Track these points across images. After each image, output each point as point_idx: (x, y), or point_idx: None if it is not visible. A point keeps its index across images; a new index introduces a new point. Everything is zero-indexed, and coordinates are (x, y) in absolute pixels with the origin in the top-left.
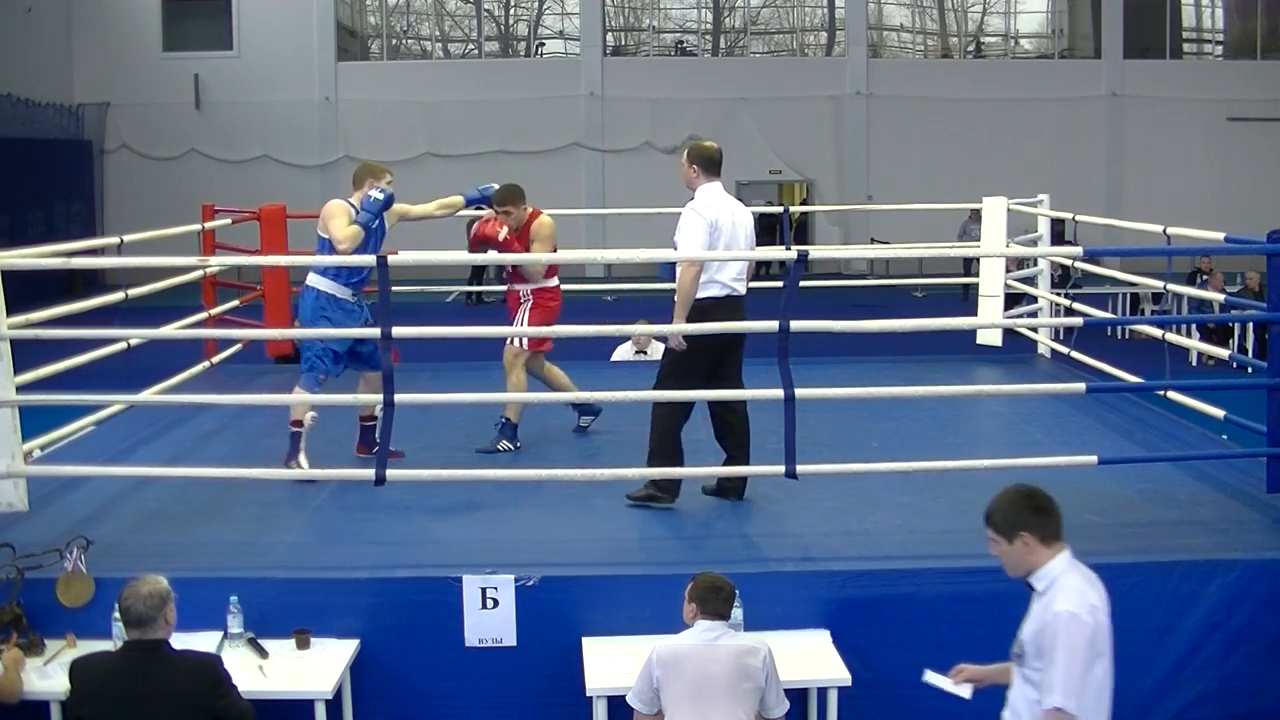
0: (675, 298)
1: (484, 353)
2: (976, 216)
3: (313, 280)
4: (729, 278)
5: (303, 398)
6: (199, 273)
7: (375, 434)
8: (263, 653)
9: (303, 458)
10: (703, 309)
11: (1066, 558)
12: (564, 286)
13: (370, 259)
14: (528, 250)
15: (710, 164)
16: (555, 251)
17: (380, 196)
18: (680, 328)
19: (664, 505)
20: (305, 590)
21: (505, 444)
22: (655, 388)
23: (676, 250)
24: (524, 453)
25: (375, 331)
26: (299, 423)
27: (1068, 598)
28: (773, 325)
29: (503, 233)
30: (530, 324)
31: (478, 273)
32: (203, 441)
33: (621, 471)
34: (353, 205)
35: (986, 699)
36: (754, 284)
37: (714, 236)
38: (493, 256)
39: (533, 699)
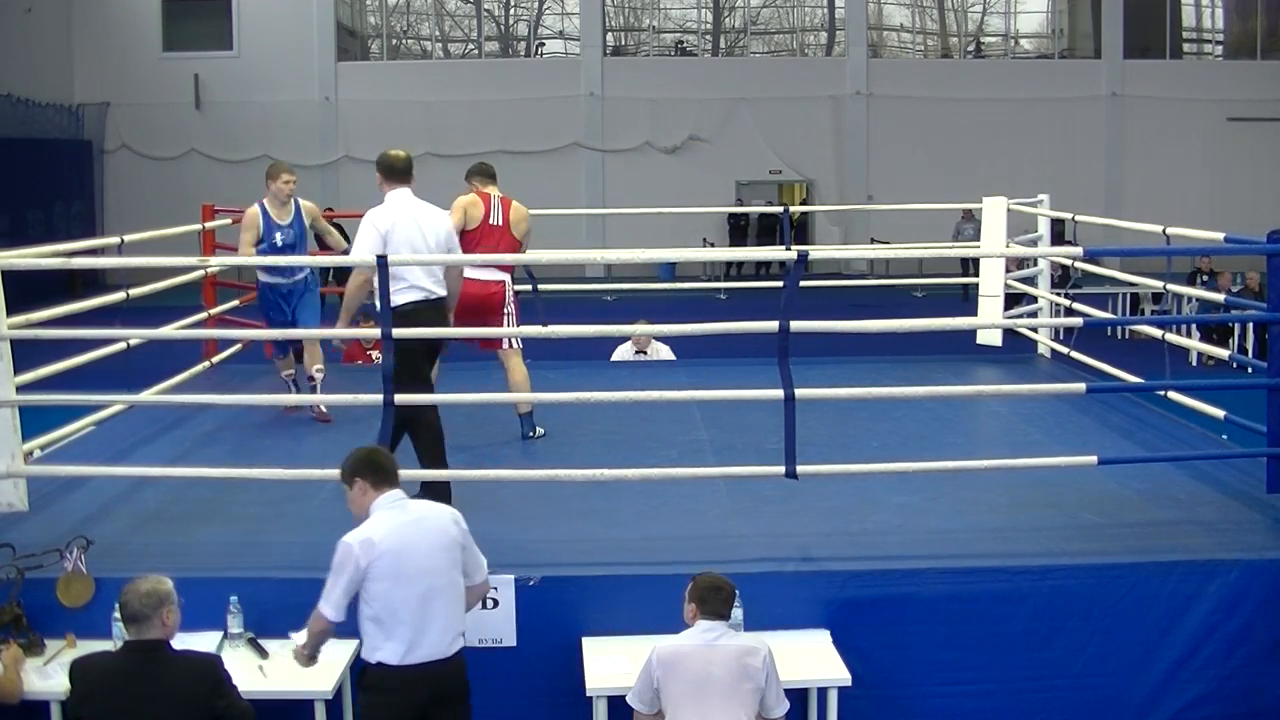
0: (342, 302)
1: (483, 352)
2: (969, 216)
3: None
4: (424, 281)
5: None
6: (199, 273)
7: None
8: (263, 653)
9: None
10: (404, 313)
11: (391, 499)
12: (564, 286)
13: (306, 259)
14: None
15: (392, 171)
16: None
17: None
18: (354, 332)
19: None
20: (305, 590)
21: (537, 431)
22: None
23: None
24: (522, 453)
25: (376, 333)
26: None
27: (356, 530)
28: (773, 325)
29: None
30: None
31: None
32: (203, 441)
33: (621, 472)
34: (263, 205)
35: (994, 699)
36: (755, 284)
37: (389, 244)
38: (471, 256)
39: (533, 699)
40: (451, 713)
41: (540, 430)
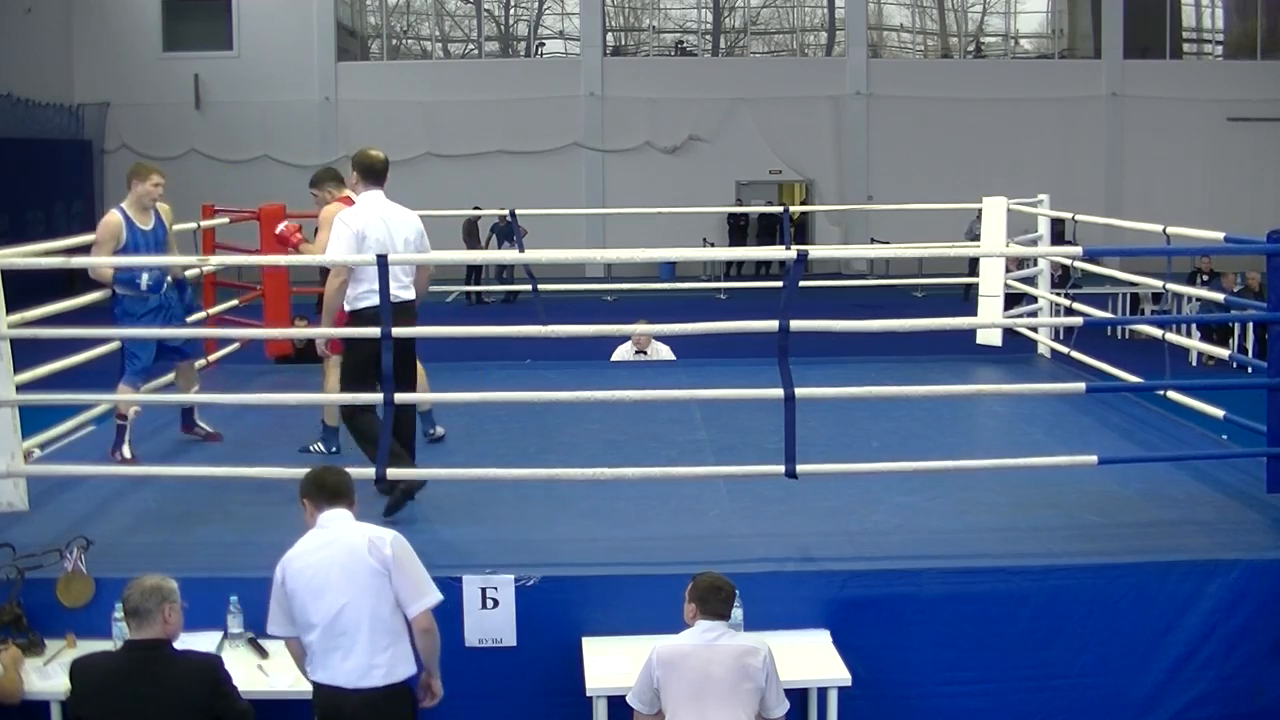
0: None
1: (483, 352)
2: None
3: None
4: (390, 285)
5: (129, 397)
6: (197, 272)
7: (194, 415)
8: (263, 653)
9: (126, 449)
10: (366, 318)
11: (327, 518)
12: (564, 286)
13: (165, 259)
14: (315, 239)
15: (370, 172)
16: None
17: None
18: (329, 332)
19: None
20: None
21: (319, 446)
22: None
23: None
24: (522, 453)
25: (377, 331)
26: (124, 416)
27: (289, 551)
28: (773, 325)
29: (296, 235)
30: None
31: (474, 272)
32: (203, 441)
33: (621, 472)
34: (123, 211)
35: (994, 699)
36: (755, 284)
37: (362, 245)
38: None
39: (533, 699)
40: None
41: (440, 430)
